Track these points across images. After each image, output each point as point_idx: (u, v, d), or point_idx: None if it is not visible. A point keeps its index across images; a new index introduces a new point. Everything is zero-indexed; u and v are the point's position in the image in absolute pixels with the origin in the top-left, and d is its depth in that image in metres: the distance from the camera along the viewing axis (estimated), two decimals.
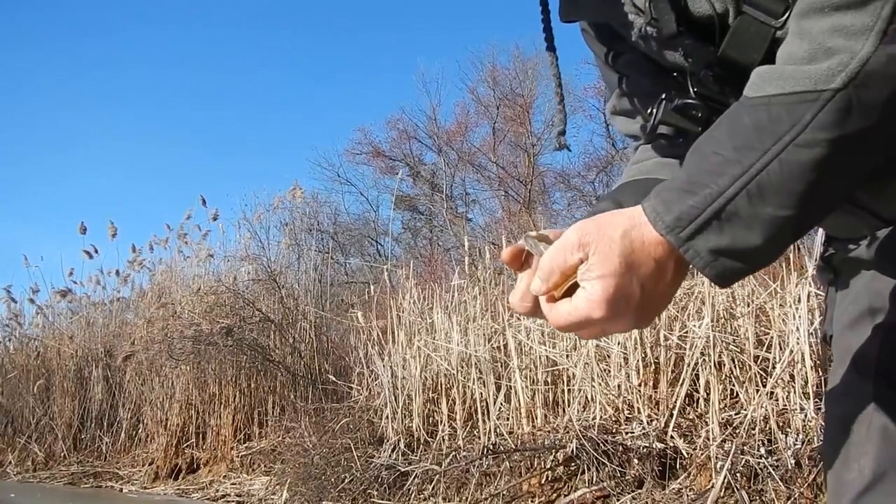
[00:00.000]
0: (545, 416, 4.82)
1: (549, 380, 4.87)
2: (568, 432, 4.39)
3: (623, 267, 0.72)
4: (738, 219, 0.72)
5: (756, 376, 3.95)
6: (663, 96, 0.93)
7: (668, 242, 0.73)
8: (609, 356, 4.64)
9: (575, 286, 0.75)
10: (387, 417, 5.46)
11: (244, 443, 7.16)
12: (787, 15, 0.80)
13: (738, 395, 4.01)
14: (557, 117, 1.10)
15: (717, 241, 0.72)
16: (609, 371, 4.60)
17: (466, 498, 4.62)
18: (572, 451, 4.23)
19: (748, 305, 4.11)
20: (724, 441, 3.79)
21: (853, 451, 0.90)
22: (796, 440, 3.61)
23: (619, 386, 4.52)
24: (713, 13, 0.85)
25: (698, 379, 4.13)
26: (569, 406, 4.67)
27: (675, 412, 4.13)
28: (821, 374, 3.73)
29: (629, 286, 0.73)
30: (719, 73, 0.88)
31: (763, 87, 0.75)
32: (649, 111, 0.96)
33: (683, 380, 4.14)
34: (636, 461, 4.05)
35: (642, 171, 1.05)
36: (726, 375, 4.03)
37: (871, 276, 0.95)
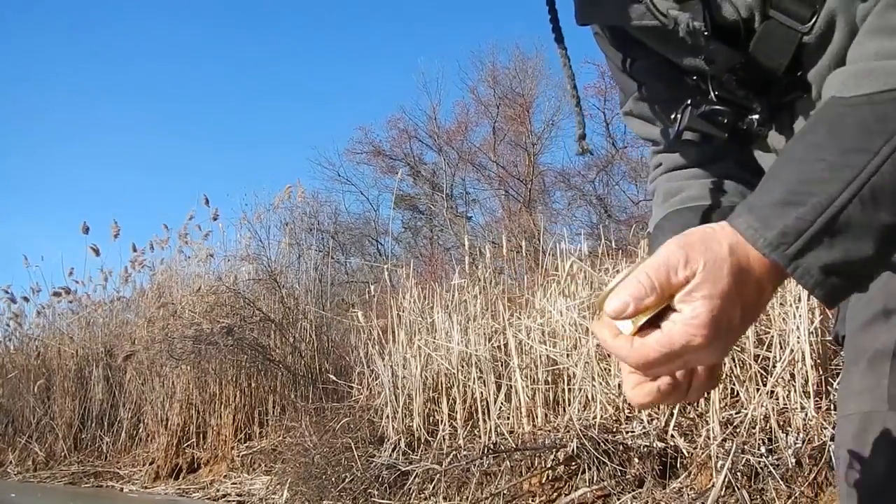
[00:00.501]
0: (546, 415, 4.82)
1: (549, 379, 4.87)
2: (568, 431, 4.39)
3: (731, 287, 0.66)
4: (850, 229, 0.66)
5: (756, 375, 3.95)
6: (688, 102, 0.91)
7: (771, 261, 0.67)
8: (609, 355, 4.64)
9: (655, 318, 0.67)
10: (387, 417, 5.47)
11: (245, 442, 7.16)
12: (814, 20, 0.78)
13: (738, 394, 4.01)
14: (576, 119, 1.08)
15: (828, 256, 0.66)
16: (609, 370, 4.59)
17: (467, 497, 4.62)
18: (573, 450, 4.23)
19: None
20: (724, 440, 3.78)
21: (867, 450, 0.90)
22: (797, 439, 3.61)
23: (619, 385, 4.51)
24: (739, 18, 0.83)
25: None
26: (569, 405, 4.67)
27: (675, 411, 4.13)
28: (821, 373, 3.73)
29: (733, 308, 0.66)
30: (742, 77, 0.86)
31: (859, 85, 0.71)
32: (673, 117, 0.94)
33: None
34: (637, 460, 4.05)
35: (692, 198, 1.02)
36: (726, 374, 4.03)
37: (887, 277, 0.94)
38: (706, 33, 0.84)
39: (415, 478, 4.91)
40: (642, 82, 1.05)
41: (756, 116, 0.87)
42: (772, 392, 3.83)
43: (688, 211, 1.01)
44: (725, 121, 0.88)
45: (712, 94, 0.89)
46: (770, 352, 3.96)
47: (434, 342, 5.53)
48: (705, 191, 1.02)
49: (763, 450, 3.67)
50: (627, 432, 4.24)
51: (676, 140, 0.95)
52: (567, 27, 1.03)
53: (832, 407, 3.53)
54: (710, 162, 1.06)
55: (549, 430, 4.61)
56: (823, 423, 3.56)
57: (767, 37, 0.82)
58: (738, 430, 3.79)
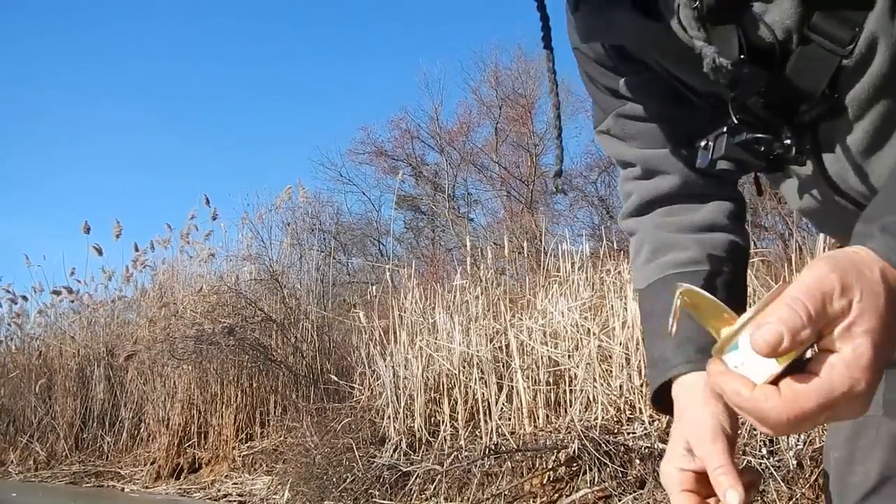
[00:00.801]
0: (547, 416, 4.82)
1: (550, 380, 4.87)
2: (570, 432, 4.38)
3: (888, 319, 0.56)
4: None
5: None
6: (724, 129, 0.85)
7: None
8: (611, 356, 4.64)
9: (796, 361, 0.56)
10: (389, 417, 5.47)
11: (246, 442, 7.17)
12: (854, 43, 0.75)
13: None
14: (556, 154, 1.02)
15: None
16: (611, 371, 4.59)
17: (468, 498, 4.61)
18: (574, 451, 4.23)
19: (749, 306, 4.10)
20: None
21: (860, 454, 0.90)
22: (798, 441, 3.61)
23: (620, 386, 4.51)
24: (774, 41, 0.79)
25: None
26: (571, 406, 4.67)
27: None
28: None
29: (890, 344, 0.56)
30: (771, 100, 0.81)
31: None
32: (704, 144, 0.89)
33: None
34: (638, 461, 4.05)
35: (692, 261, 0.97)
36: None
37: None
38: (741, 57, 0.79)
39: (416, 478, 4.91)
40: (632, 100, 1.01)
41: (788, 142, 0.82)
42: None
43: (686, 276, 0.96)
44: (762, 148, 0.83)
45: (733, 117, 0.84)
46: None
47: (435, 343, 5.53)
48: (700, 252, 0.97)
49: (764, 451, 3.67)
50: (629, 433, 4.24)
51: (711, 167, 0.89)
52: (560, 48, 0.98)
53: None
54: (693, 197, 1.01)
55: (551, 431, 4.61)
56: (825, 424, 3.55)
57: (805, 60, 0.78)
58: (738, 432, 3.78)
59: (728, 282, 0.97)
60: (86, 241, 10.30)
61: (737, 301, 0.98)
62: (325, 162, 23.38)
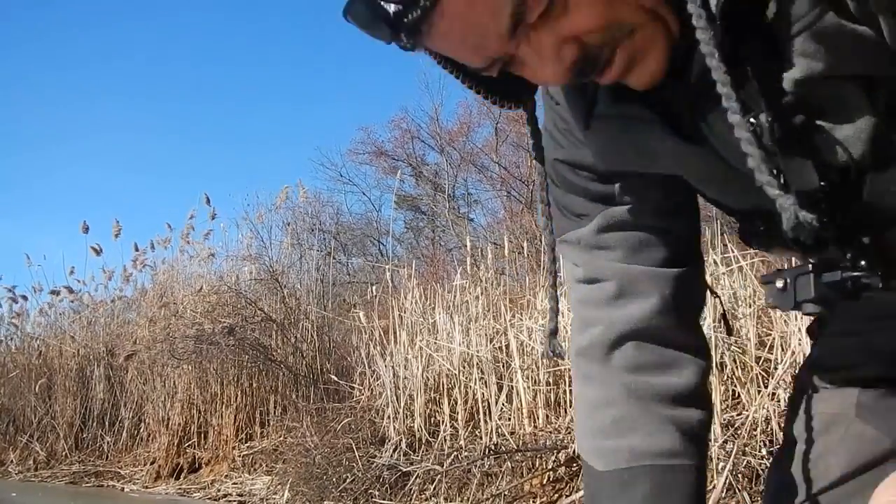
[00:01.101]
0: (547, 416, 4.82)
1: (550, 380, 4.87)
2: (570, 433, 4.38)
3: None
4: None
5: (758, 377, 3.95)
6: (809, 268, 0.78)
7: None
8: None
9: None
10: (388, 417, 5.47)
11: (246, 442, 7.16)
12: None
13: (739, 395, 4.01)
14: (549, 305, 0.94)
15: None
16: None
17: (468, 498, 4.61)
18: (574, 451, 4.23)
19: (750, 306, 4.10)
20: (725, 442, 3.78)
21: (822, 449, 0.91)
22: None
23: None
24: (850, 161, 0.70)
25: None
26: (571, 406, 4.67)
27: None
28: None
29: None
30: (839, 220, 0.73)
31: None
32: (781, 285, 0.81)
33: None
34: None
35: (668, 451, 0.92)
36: (728, 376, 4.03)
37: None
38: (821, 184, 0.70)
39: (416, 478, 4.91)
40: (627, 204, 0.94)
41: (865, 264, 0.75)
42: (773, 394, 3.82)
43: (658, 471, 0.92)
44: (850, 284, 0.75)
45: (787, 238, 0.75)
46: (771, 353, 3.96)
47: (435, 343, 5.53)
48: (674, 440, 0.93)
49: (764, 452, 3.67)
50: None
51: (794, 309, 0.81)
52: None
53: None
54: (667, 336, 0.96)
55: (551, 432, 4.61)
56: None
57: (886, 178, 0.70)
58: (739, 432, 3.78)
59: (696, 481, 0.93)
60: (84, 240, 10.31)
61: (699, 497, 0.94)
62: (325, 162, 23.51)
